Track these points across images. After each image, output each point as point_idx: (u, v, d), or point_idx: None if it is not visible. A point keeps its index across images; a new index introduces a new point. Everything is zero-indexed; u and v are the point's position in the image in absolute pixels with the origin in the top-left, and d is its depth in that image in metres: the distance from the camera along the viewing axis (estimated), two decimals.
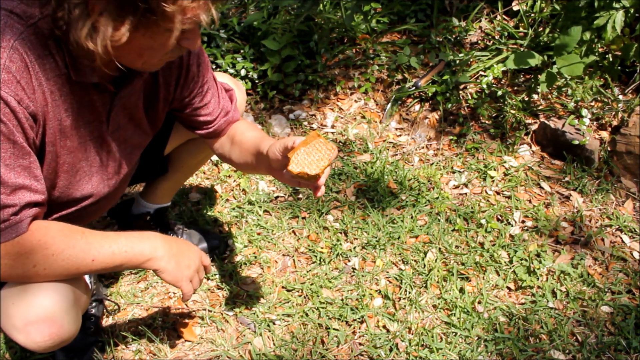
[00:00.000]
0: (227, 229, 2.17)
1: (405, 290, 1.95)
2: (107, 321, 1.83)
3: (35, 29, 1.10)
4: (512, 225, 2.21)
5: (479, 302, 1.91)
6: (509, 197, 2.35)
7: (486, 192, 2.38)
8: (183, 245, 1.38)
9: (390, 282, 2.00)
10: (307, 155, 1.23)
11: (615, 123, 2.55)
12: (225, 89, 1.54)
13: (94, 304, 1.76)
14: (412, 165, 2.51)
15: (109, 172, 1.36)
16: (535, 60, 2.42)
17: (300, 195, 2.34)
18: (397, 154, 2.57)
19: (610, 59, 2.65)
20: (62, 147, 1.21)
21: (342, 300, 1.92)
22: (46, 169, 1.20)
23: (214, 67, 2.75)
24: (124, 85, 1.24)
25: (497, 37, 3.02)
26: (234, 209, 2.25)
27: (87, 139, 1.25)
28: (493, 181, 2.42)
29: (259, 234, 2.16)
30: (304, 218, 2.23)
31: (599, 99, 2.65)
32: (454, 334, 1.82)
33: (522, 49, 2.77)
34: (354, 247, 2.11)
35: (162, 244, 1.32)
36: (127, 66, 1.14)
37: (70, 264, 1.19)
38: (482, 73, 2.76)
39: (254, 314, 1.86)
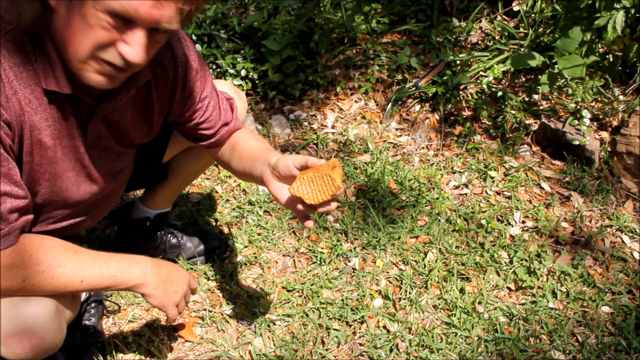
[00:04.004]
0: (227, 229, 2.17)
1: (406, 291, 1.95)
2: (107, 322, 1.83)
3: (13, 35, 1.08)
4: (512, 226, 2.21)
5: (479, 303, 1.91)
6: (509, 198, 2.35)
7: (486, 192, 2.38)
8: (172, 271, 1.41)
9: (390, 282, 2.00)
10: (310, 182, 1.22)
11: (615, 123, 2.55)
12: (226, 97, 1.53)
13: (93, 305, 1.76)
14: (413, 165, 2.51)
15: (94, 179, 1.34)
16: (536, 61, 2.42)
17: None
18: (397, 155, 2.57)
19: (611, 60, 2.65)
20: (43, 157, 1.20)
21: (342, 300, 1.91)
22: (25, 177, 1.19)
23: (214, 67, 2.75)
24: (104, 99, 1.22)
25: (497, 37, 3.02)
26: (234, 209, 2.25)
27: (68, 150, 1.24)
28: (493, 181, 2.42)
29: (259, 234, 2.16)
30: None
31: (599, 99, 2.65)
32: (454, 334, 1.81)
33: (522, 50, 2.77)
34: (354, 248, 2.11)
35: (152, 270, 1.34)
36: (70, 56, 1.08)
37: (59, 283, 1.19)
38: (483, 73, 2.76)
39: (254, 314, 1.86)
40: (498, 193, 2.38)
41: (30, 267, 1.15)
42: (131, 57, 1.04)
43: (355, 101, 2.82)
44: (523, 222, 2.24)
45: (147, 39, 1.04)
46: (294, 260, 2.07)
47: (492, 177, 2.43)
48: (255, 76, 2.77)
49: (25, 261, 1.15)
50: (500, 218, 2.26)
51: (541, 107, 2.67)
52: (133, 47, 1.03)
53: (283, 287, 1.96)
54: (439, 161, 2.52)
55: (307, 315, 1.86)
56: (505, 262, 2.06)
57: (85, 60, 1.06)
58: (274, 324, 1.84)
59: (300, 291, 1.95)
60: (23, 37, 1.09)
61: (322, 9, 2.98)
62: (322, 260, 2.06)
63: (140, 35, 1.03)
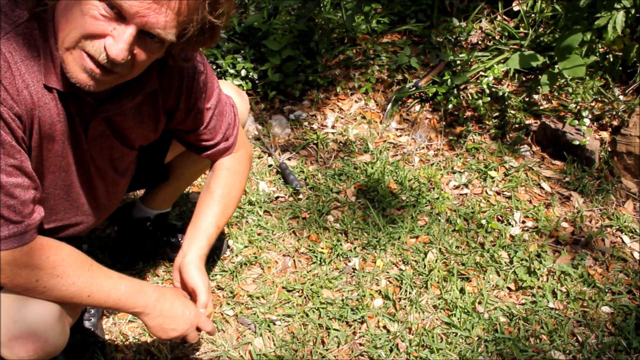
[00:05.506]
0: (227, 229, 2.17)
1: (406, 291, 1.95)
2: (107, 321, 1.83)
3: (23, 29, 1.08)
4: (512, 226, 2.21)
5: (480, 303, 1.91)
6: (509, 198, 2.35)
7: (486, 192, 2.38)
8: (178, 309, 1.35)
9: (390, 282, 2.00)
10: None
11: (615, 123, 2.55)
12: (231, 104, 1.52)
13: None
14: (413, 165, 2.51)
15: (94, 176, 1.35)
16: (538, 61, 2.43)
17: (301, 196, 2.34)
18: (397, 155, 2.57)
19: (611, 60, 2.65)
20: (50, 150, 1.20)
21: (342, 300, 1.91)
22: (33, 169, 1.18)
23: (214, 67, 2.75)
24: (107, 101, 1.21)
25: (497, 37, 3.02)
26: None
27: (73, 145, 1.24)
28: (493, 181, 2.42)
29: (259, 234, 2.16)
30: (304, 218, 2.22)
31: (599, 99, 2.65)
32: (454, 334, 1.82)
33: (522, 49, 2.77)
34: (355, 248, 2.11)
35: (154, 303, 1.31)
36: (60, 44, 1.08)
37: (68, 292, 1.20)
38: (483, 73, 2.76)
39: (254, 314, 1.86)
40: (498, 193, 2.38)
41: (46, 270, 1.16)
42: (113, 51, 1.02)
43: (356, 101, 2.82)
44: (523, 222, 2.24)
45: (134, 38, 1.03)
46: (294, 260, 2.07)
47: (492, 177, 2.43)
48: (255, 76, 2.77)
49: (42, 262, 1.15)
50: (500, 218, 2.26)
51: (541, 107, 2.67)
52: (117, 43, 1.02)
53: (283, 287, 1.96)
54: (439, 161, 2.52)
55: (307, 315, 1.86)
56: (505, 262, 2.06)
57: (70, 49, 1.05)
58: (274, 324, 1.84)
59: (300, 291, 1.95)
60: (34, 30, 1.09)
61: (322, 9, 2.98)
62: (322, 260, 2.06)
63: (129, 32, 1.02)
